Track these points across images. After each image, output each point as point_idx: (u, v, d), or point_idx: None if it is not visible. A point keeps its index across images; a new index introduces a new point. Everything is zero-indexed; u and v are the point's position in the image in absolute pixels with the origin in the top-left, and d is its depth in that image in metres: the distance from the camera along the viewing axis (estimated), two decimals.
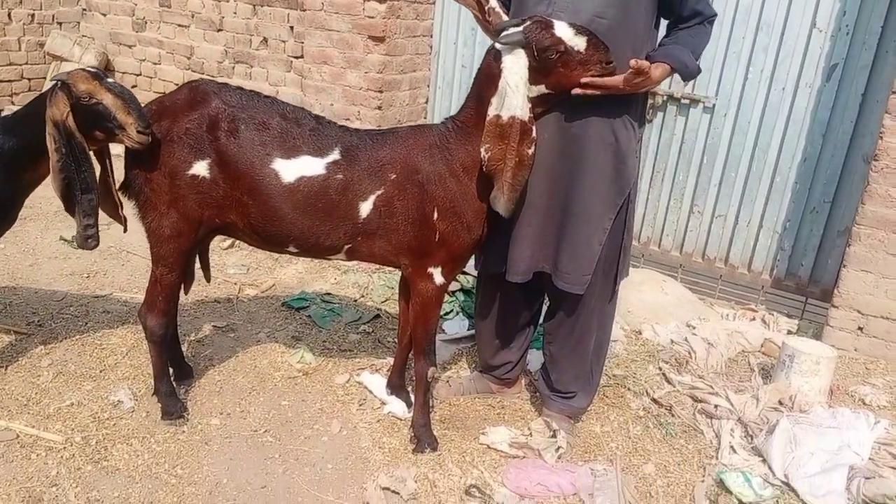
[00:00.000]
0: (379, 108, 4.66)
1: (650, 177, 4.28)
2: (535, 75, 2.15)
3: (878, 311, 3.39)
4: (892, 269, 3.31)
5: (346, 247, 2.39)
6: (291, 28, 5.01)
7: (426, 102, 5.05)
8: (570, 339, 2.63)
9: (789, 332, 3.69)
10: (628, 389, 3.05)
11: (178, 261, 2.44)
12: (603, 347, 2.73)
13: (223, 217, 2.38)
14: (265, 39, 5.17)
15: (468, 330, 3.40)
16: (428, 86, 5.02)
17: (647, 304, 3.70)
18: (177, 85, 5.71)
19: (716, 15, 2.31)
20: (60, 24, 6.07)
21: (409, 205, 2.31)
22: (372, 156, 2.32)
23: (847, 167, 3.77)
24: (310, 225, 2.33)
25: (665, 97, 4.12)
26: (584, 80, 2.14)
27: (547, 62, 2.11)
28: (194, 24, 5.51)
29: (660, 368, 3.23)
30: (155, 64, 5.86)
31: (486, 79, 2.22)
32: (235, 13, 5.25)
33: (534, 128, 2.19)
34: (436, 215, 2.31)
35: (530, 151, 2.18)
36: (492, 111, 2.19)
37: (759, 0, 3.82)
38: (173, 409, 2.62)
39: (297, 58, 5.03)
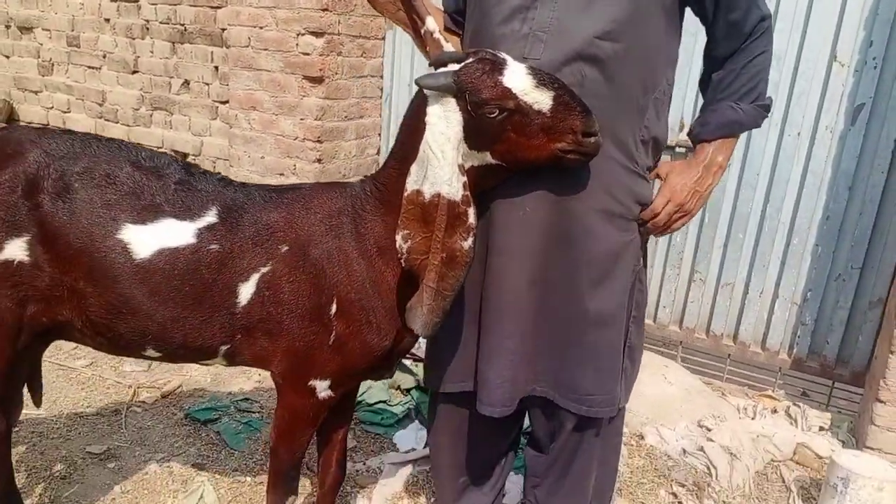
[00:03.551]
0: (319, 160, 3.94)
1: None
2: (475, 139, 1.49)
3: None
4: None
5: (224, 348, 1.71)
6: (216, 68, 4.30)
7: (377, 153, 4.34)
8: (563, 484, 1.90)
9: (821, 429, 3.00)
10: None
11: None
12: (606, 490, 1.99)
13: (52, 314, 1.68)
14: (186, 82, 4.44)
15: (426, 447, 2.64)
16: (378, 134, 4.32)
17: (648, 399, 2.98)
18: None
19: (768, 17, 1.63)
20: None
21: (301, 290, 1.64)
22: (260, 220, 1.66)
23: (879, 226, 3.13)
24: (173, 318, 1.64)
25: None
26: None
27: (488, 122, 1.45)
28: (106, 65, 4.77)
29: (674, 494, 2.50)
30: (64, 112, 5.09)
31: (409, 132, 1.57)
32: (152, 52, 4.53)
33: (470, 210, 1.50)
34: (334, 308, 1.64)
35: (466, 245, 1.50)
36: (410, 184, 1.53)
37: None
38: None
39: (223, 102, 4.31)
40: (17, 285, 1.64)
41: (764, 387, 3.37)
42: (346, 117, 4.04)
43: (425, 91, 1.51)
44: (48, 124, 5.21)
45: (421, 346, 3.24)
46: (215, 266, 1.63)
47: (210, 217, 1.65)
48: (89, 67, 4.88)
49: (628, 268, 1.68)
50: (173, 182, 1.68)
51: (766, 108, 1.67)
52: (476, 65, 1.46)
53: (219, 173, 1.79)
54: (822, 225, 3.23)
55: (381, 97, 4.25)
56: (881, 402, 2.80)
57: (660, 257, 3.61)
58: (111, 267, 1.62)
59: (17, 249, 1.62)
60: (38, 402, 2.03)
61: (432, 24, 1.65)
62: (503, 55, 1.48)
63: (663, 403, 3.01)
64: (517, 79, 1.43)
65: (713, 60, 1.68)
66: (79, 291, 1.64)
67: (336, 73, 3.87)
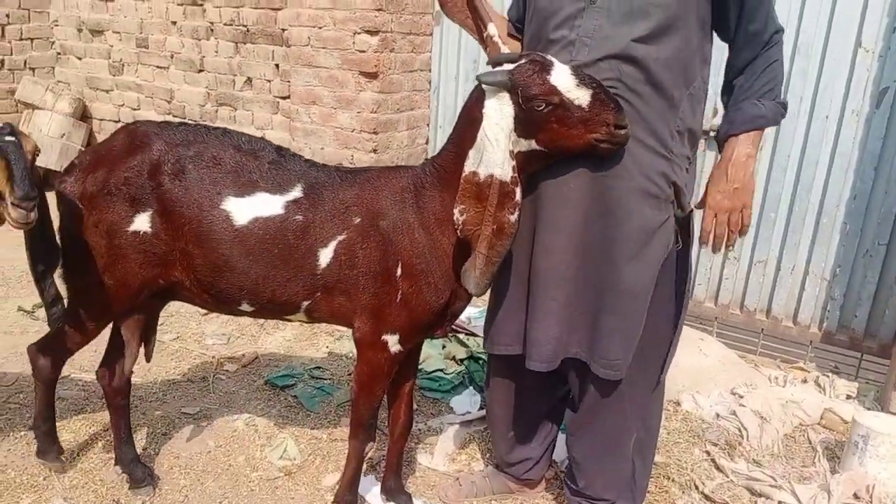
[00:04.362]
0: (374, 150, 4.23)
1: None
2: (524, 128, 1.75)
3: None
4: None
5: (305, 303, 2.03)
6: (277, 66, 4.62)
7: (426, 143, 4.62)
8: (598, 441, 2.13)
9: (848, 397, 3.21)
10: (672, 481, 2.57)
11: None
12: (649, 448, 2.23)
13: (167, 275, 2.04)
14: (249, 79, 4.77)
15: (480, 409, 2.93)
16: (427, 125, 4.60)
17: (684, 369, 3.21)
18: None
19: (782, 30, 1.86)
20: (33, 69, 5.70)
21: (371, 255, 1.94)
22: (337, 196, 1.97)
23: None
24: (264, 275, 1.97)
25: None
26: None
27: (536, 114, 1.71)
28: (174, 65, 5.13)
29: (707, 453, 2.75)
30: (134, 109, 5.48)
31: (467, 122, 1.84)
32: (217, 52, 4.87)
33: (517, 189, 1.77)
34: (399, 271, 1.93)
35: (512, 218, 1.77)
36: (468, 166, 1.79)
37: (796, 20, 3.40)
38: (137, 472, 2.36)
39: (283, 98, 4.63)
40: (143, 252, 2.00)
41: (796, 360, 3.56)
42: (398, 110, 4.32)
43: (483, 86, 1.77)
44: (119, 121, 5.61)
45: (472, 322, 3.54)
46: (299, 233, 1.94)
47: (296, 192, 1.97)
48: (158, 67, 5.24)
49: (662, 245, 1.90)
50: (267, 162, 2.01)
51: (784, 106, 1.87)
52: (528, 65, 1.72)
53: (305, 157, 2.10)
54: (849, 204, 3.41)
55: (429, 90, 4.53)
56: None
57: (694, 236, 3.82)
58: (215, 232, 1.95)
59: (143, 222, 1.98)
60: (149, 355, 2.40)
61: (493, 29, 1.91)
62: (551, 57, 1.74)
63: (699, 373, 3.24)
64: (562, 78, 1.69)
65: (734, 69, 1.90)
66: (189, 254, 1.99)
67: (389, 69, 4.15)
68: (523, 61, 1.73)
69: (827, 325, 3.54)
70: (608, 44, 1.78)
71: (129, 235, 1.98)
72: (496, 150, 1.75)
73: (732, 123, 1.88)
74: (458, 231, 1.82)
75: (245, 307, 2.07)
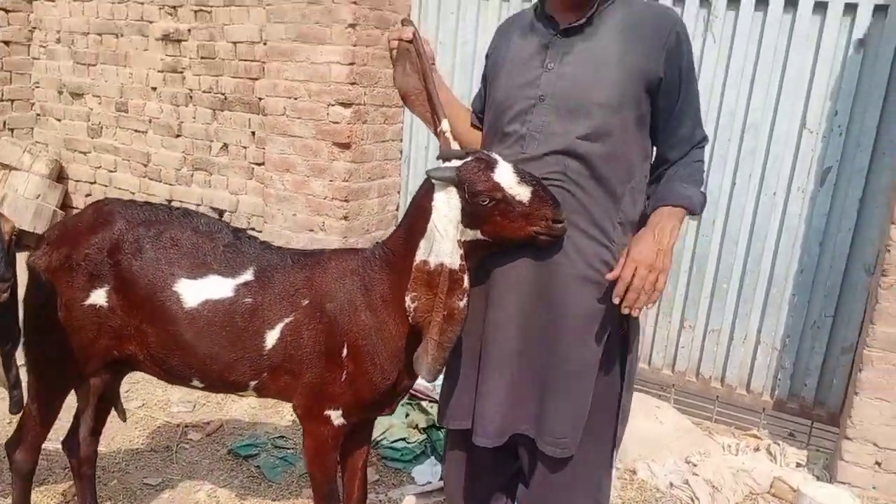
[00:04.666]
0: (345, 217, 4.36)
1: None
2: (470, 219, 1.86)
3: None
4: None
5: (253, 383, 2.11)
6: (253, 133, 4.76)
7: (396, 209, 4.76)
8: None
9: (798, 465, 3.31)
10: None
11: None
12: None
13: (122, 349, 2.13)
14: (225, 145, 4.90)
15: (440, 480, 2.99)
16: (398, 192, 4.75)
17: (641, 437, 3.31)
18: (132, 193, 5.43)
19: (707, 139, 2.01)
20: (12, 130, 5.80)
21: (318, 336, 2.03)
22: (287, 279, 2.07)
23: (848, 278, 3.47)
24: (212, 355, 2.06)
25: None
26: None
27: (481, 208, 1.83)
28: (152, 129, 5.25)
29: None
30: (111, 171, 5.58)
31: (417, 211, 1.95)
32: (195, 118, 5.00)
33: (465, 276, 1.87)
34: (345, 351, 2.02)
35: (462, 304, 1.87)
36: (419, 255, 1.90)
37: (744, 101, 3.60)
38: None
39: (258, 164, 4.76)
40: (98, 325, 2.08)
41: (750, 427, 3.67)
42: (369, 178, 4.46)
43: (433, 180, 1.89)
44: (95, 182, 5.71)
45: (435, 389, 3.61)
46: (247, 315, 2.03)
47: (247, 275, 2.06)
48: (136, 131, 5.36)
49: (605, 327, 2.00)
50: (223, 245, 2.11)
51: (705, 199, 1.96)
52: (474, 163, 1.84)
53: (261, 240, 2.21)
54: (797, 276, 3.57)
55: (400, 159, 4.68)
56: (849, 439, 3.12)
57: (653, 307, 3.95)
58: (166, 312, 2.04)
59: (99, 297, 2.07)
60: (121, 413, 2.54)
61: (446, 125, 2.03)
62: (495, 155, 1.87)
63: (655, 441, 3.33)
64: (505, 175, 1.82)
65: (662, 164, 2.01)
66: (142, 330, 2.08)
67: (362, 139, 4.30)
68: (470, 159, 1.86)
69: (778, 394, 3.67)
70: (555, 139, 1.91)
71: (86, 308, 2.07)
72: (445, 241, 1.86)
73: (662, 197, 1.94)
74: (410, 318, 1.91)
75: (196, 383, 2.16)
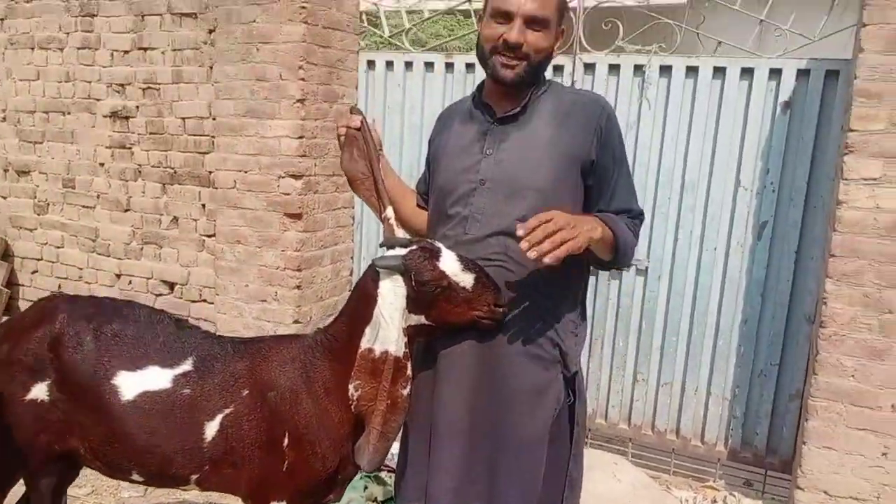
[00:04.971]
0: (298, 287, 4.36)
1: (588, 345, 4.03)
2: (415, 305, 1.91)
3: (846, 492, 3.11)
4: (856, 445, 3.07)
5: (194, 476, 2.07)
6: (203, 206, 4.76)
7: (350, 275, 4.78)
8: None
9: None
10: None
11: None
12: None
13: (63, 443, 2.10)
14: (175, 219, 4.89)
15: None
16: (351, 257, 4.78)
17: (598, 496, 3.33)
18: (80, 269, 5.35)
19: (643, 215, 2.10)
20: None
21: (258, 427, 2.02)
22: (227, 368, 2.06)
23: (790, 327, 3.61)
24: (151, 449, 2.03)
25: None
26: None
27: (426, 295, 1.88)
28: (100, 204, 5.21)
29: None
30: (57, 247, 5.49)
31: (362, 298, 1.98)
32: (144, 192, 4.99)
33: (409, 364, 1.91)
34: (286, 441, 2.00)
35: (405, 392, 1.90)
36: (364, 343, 1.93)
37: (681, 161, 3.77)
38: None
39: (209, 236, 4.75)
40: (39, 419, 2.06)
41: (707, 478, 3.73)
42: (322, 246, 4.49)
43: (379, 269, 1.93)
44: (41, 259, 5.60)
45: (395, 459, 3.59)
46: (186, 407, 2.02)
47: (186, 365, 2.06)
48: (83, 207, 5.30)
49: (552, 400, 2.02)
50: (163, 335, 2.11)
51: (631, 252, 1.99)
52: (419, 252, 1.89)
53: (204, 329, 2.21)
54: (741, 327, 3.69)
55: (352, 225, 4.73)
56: (800, 488, 3.19)
57: (606, 361, 4.03)
58: (105, 405, 2.03)
59: (40, 391, 2.05)
60: None
61: (391, 213, 2.08)
62: (438, 244, 1.93)
63: (613, 501, 3.35)
64: (449, 264, 1.87)
65: None
66: (83, 424, 2.06)
67: (313, 209, 4.35)
68: (415, 247, 1.90)
69: (732, 443, 3.74)
70: (495, 220, 1.97)
71: (27, 403, 2.05)
72: (391, 328, 1.88)
73: (602, 212, 1.95)
74: (353, 407, 1.92)
75: (136, 477, 2.12)
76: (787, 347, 3.62)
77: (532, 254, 1.66)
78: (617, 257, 1.94)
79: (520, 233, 1.68)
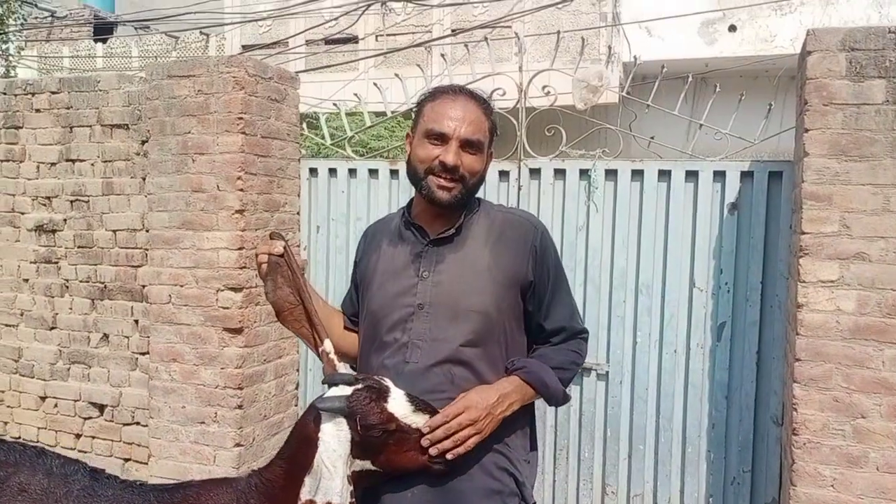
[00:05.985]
0: (240, 406, 4.06)
1: (553, 455, 3.84)
2: (361, 451, 1.73)
3: None
4: None
5: None
6: (136, 322, 4.47)
7: (296, 388, 4.51)
8: None
9: None
10: None
11: None
12: None
13: None
14: (105, 336, 4.57)
15: None
16: (297, 370, 4.52)
17: None
18: (1, 392, 4.94)
19: (587, 332, 2.01)
20: None
21: None
22: None
23: (759, 430, 3.51)
24: None
25: None
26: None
27: (373, 440, 1.71)
28: (23, 322, 4.86)
29: None
30: None
31: (302, 442, 1.78)
32: (71, 309, 4.67)
33: None
34: None
35: None
36: (304, 494, 1.72)
37: (634, 263, 3.71)
38: None
39: (142, 354, 4.44)
40: None
41: None
42: (264, 360, 4.23)
43: (320, 411, 1.74)
44: None
45: None
46: None
47: None
48: (5, 325, 4.94)
49: None
50: (77, 488, 1.86)
51: (566, 397, 1.94)
52: (364, 392, 1.71)
53: (122, 479, 1.97)
54: (709, 432, 3.56)
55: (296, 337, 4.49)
56: None
57: (572, 472, 3.83)
58: None
59: None
60: None
61: (329, 346, 1.90)
62: (387, 382, 1.75)
63: None
64: (399, 405, 1.70)
65: (538, 341, 1.98)
66: None
67: (254, 322, 4.11)
68: (360, 387, 1.73)
69: None
70: (438, 346, 1.85)
71: None
72: (334, 477, 1.69)
73: (523, 367, 1.89)
74: None
75: None
76: (758, 453, 3.50)
77: (433, 451, 1.71)
78: (550, 403, 1.94)
79: (424, 430, 1.71)
